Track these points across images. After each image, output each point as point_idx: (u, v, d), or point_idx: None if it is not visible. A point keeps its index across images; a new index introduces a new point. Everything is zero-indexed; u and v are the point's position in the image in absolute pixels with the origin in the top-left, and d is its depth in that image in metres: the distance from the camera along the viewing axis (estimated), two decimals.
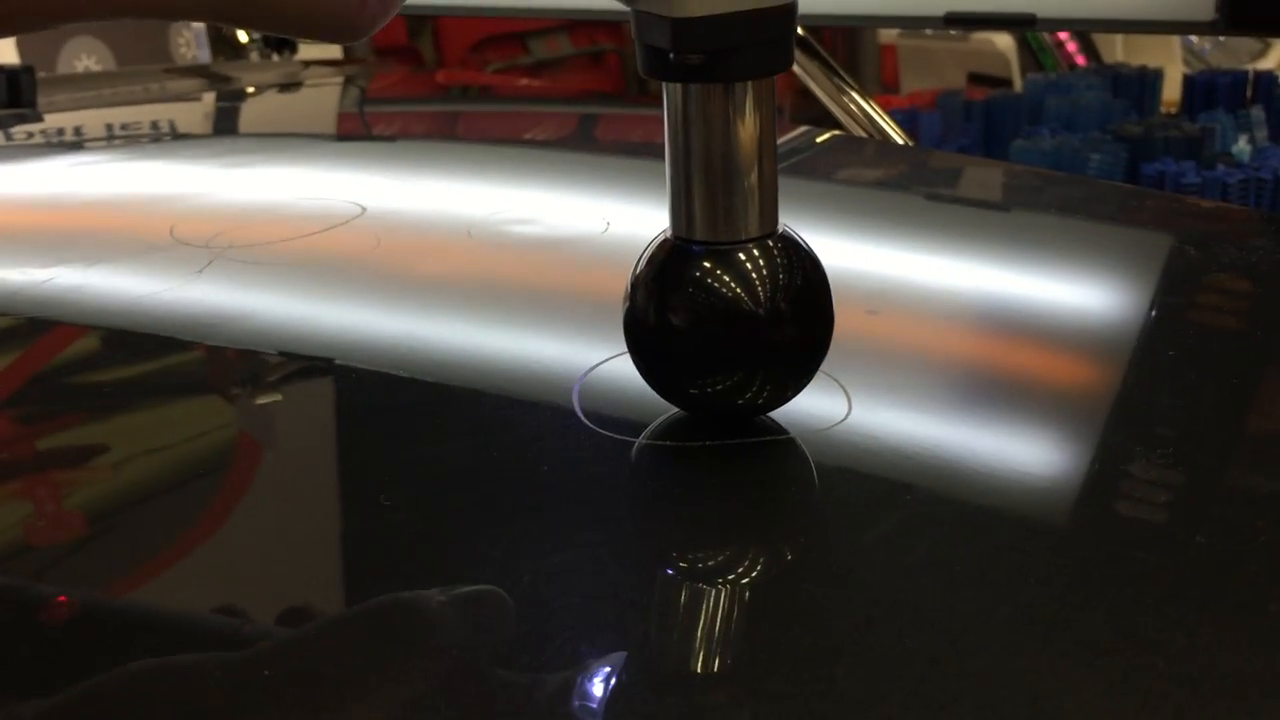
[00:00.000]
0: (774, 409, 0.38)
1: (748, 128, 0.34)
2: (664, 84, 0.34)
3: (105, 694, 0.27)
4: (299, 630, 0.29)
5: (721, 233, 0.35)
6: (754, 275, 0.34)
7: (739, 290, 0.34)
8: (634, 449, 0.37)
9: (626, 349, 0.37)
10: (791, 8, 0.33)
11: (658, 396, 0.38)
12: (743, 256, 0.34)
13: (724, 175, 0.34)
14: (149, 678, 0.27)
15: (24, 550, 0.35)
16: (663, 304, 0.35)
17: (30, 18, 0.27)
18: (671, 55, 0.33)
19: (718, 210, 0.35)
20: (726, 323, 0.34)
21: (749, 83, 0.33)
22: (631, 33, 0.34)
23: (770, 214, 0.35)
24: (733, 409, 0.37)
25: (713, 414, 0.38)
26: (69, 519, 0.36)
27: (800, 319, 0.35)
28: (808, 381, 0.37)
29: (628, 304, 0.36)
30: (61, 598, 0.31)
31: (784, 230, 0.36)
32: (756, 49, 0.33)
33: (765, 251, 0.35)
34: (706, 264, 0.34)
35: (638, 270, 0.36)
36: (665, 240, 0.36)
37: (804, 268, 0.35)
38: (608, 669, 0.26)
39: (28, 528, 0.36)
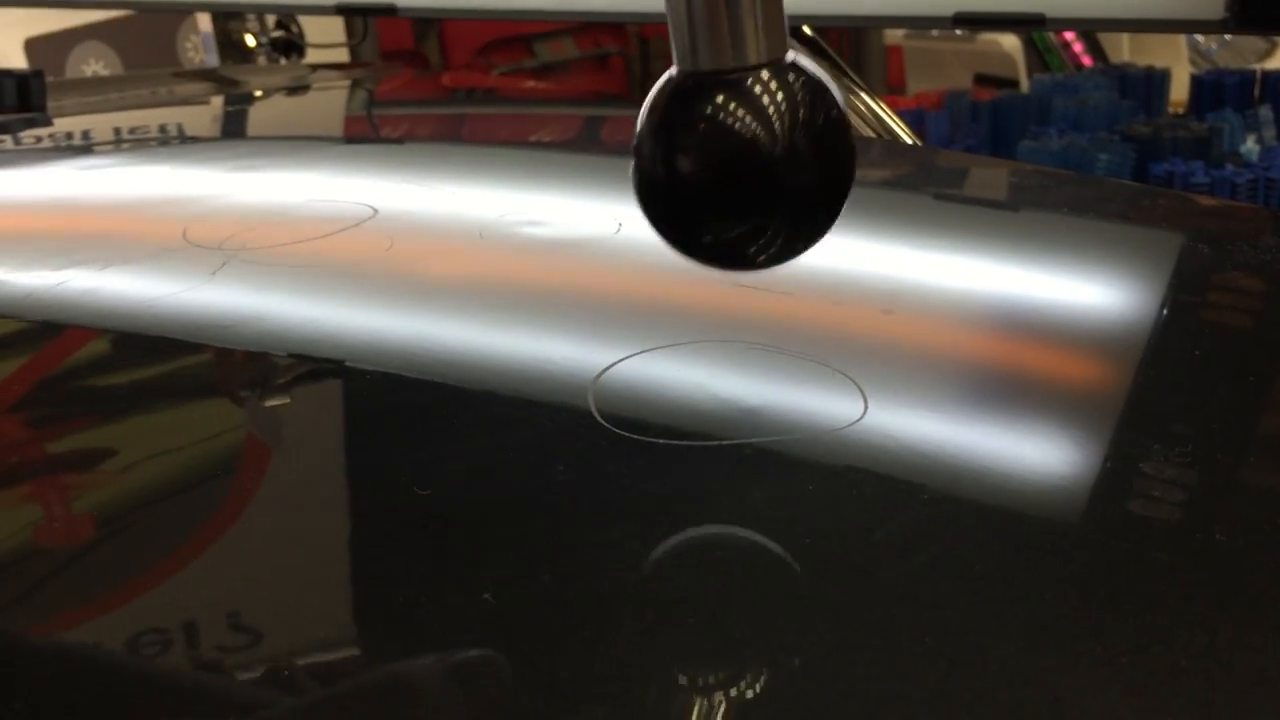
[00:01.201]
0: (792, 257, 0.35)
1: None
2: None
3: (110, 695, 0.27)
4: (284, 676, 0.28)
5: (728, 58, 0.32)
6: (768, 106, 0.32)
7: (753, 124, 0.32)
8: (650, 449, 0.37)
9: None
10: None
11: (673, 396, 0.38)
12: (753, 84, 0.32)
13: None
14: (154, 680, 0.27)
15: (35, 551, 0.35)
16: (672, 145, 0.33)
17: None
18: None
19: (722, 33, 0.32)
20: (741, 159, 0.32)
21: None
22: None
23: (778, 36, 0.32)
24: (749, 256, 0.34)
25: (729, 262, 0.36)
26: (80, 520, 0.36)
27: (818, 147, 0.33)
28: (829, 225, 0.34)
29: (635, 148, 0.34)
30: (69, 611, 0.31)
31: (794, 57, 0.33)
32: None
33: (778, 76, 0.32)
34: (716, 96, 0.32)
35: (644, 112, 0.34)
36: (670, 77, 0.33)
37: (819, 95, 0.33)
38: (626, 665, 0.26)
39: (39, 529, 0.36)
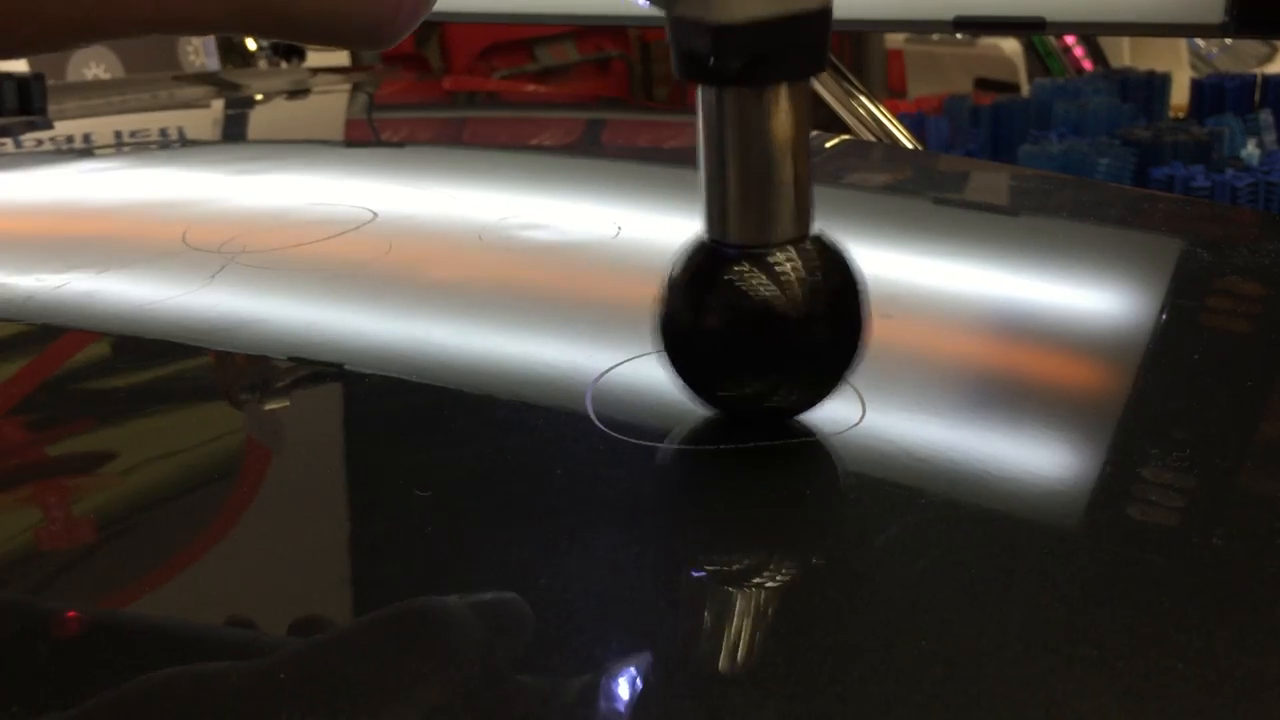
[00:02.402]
0: (805, 411, 0.38)
1: (783, 130, 0.34)
2: (699, 87, 0.34)
3: (121, 701, 0.27)
4: (316, 636, 0.29)
5: (756, 235, 0.35)
6: (788, 278, 0.34)
7: (773, 292, 0.34)
8: (648, 453, 0.37)
9: (654, 349, 0.37)
10: (827, 11, 0.33)
11: (671, 400, 0.38)
12: (778, 258, 0.35)
13: (759, 177, 0.34)
14: (165, 683, 0.27)
15: (36, 555, 0.35)
16: (698, 305, 0.35)
17: (58, 38, 0.27)
18: (711, 60, 0.33)
19: (753, 213, 0.35)
20: (760, 325, 0.35)
21: (785, 85, 0.34)
22: (666, 36, 0.34)
23: (804, 216, 0.35)
24: (763, 411, 0.37)
25: (743, 416, 0.38)
26: (80, 524, 0.36)
27: (834, 322, 0.36)
28: (840, 384, 0.37)
29: (663, 305, 0.36)
30: (71, 613, 0.31)
31: (818, 233, 0.36)
32: (794, 53, 0.33)
33: (802, 253, 0.35)
34: (741, 266, 0.35)
35: (674, 272, 0.36)
36: (701, 243, 0.36)
37: (838, 270, 0.36)
38: (626, 672, 0.26)
39: (39, 533, 0.36)
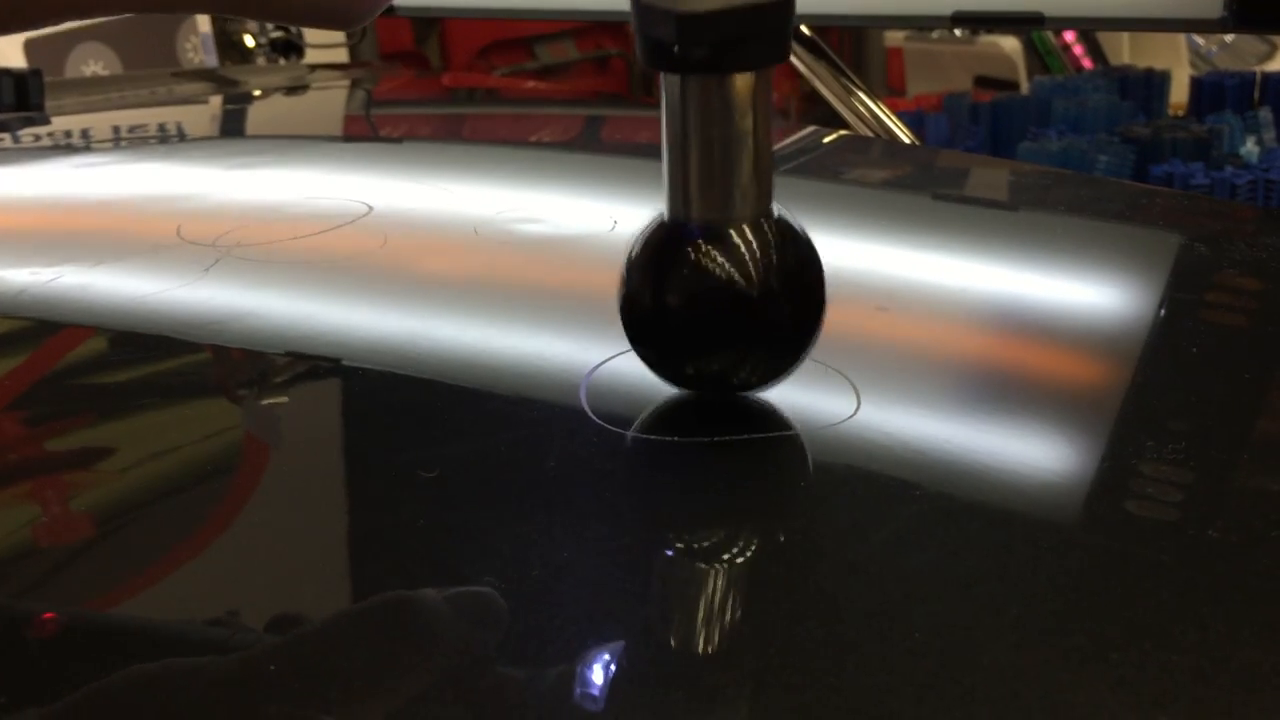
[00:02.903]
0: (769, 386, 0.38)
1: (746, 116, 0.35)
2: (662, 75, 0.35)
3: (107, 692, 0.26)
4: (302, 629, 0.29)
5: (716, 213, 0.35)
6: (747, 253, 0.35)
7: (732, 267, 0.35)
8: (642, 445, 0.37)
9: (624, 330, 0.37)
10: (790, 1, 0.33)
11: (665, 393, 0.38)
12: (735, 235, 0.35)
13: (721, 160, 0.35)
14: (150, 676, 0.27)
15: (31, 551, 0.35)
16: (659, 284, 0.36)
17: (34, 16, 0.27)
18: (675, 48, 0.33)
19: (714, 192, 0.35)
20: (722, 301, 0.35)
21: (749, 74, 0.34)
22: (632, 25, 0.34)
23: (765, 196, 0.36)
24: (729, 386, 0.37)
25: (709, 391, 0.38)
26: (76, 520, 0.36)
27: (794, 298, 0.36)
28: (803, 358, 0.37)
29: (624, 287, 0.37)
30: (48, 614, 0.31)
31: (779, 213, 0.36)
32: (757, 42, 0.33)
33: (758, 230, 0.35)
34: (701, 243, 0.35)
35: (633, 252, 0.37)
36: (661, 222, 0.37)
37: (797, 246, 0.36)
38: (616, 664, 0.26)
39: (35, 529, 0.36)
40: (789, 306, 0.36)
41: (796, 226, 0.37)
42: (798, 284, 0.36)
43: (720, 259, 0.35)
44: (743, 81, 0.34)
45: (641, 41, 0.34)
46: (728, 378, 0.37)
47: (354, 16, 0.29)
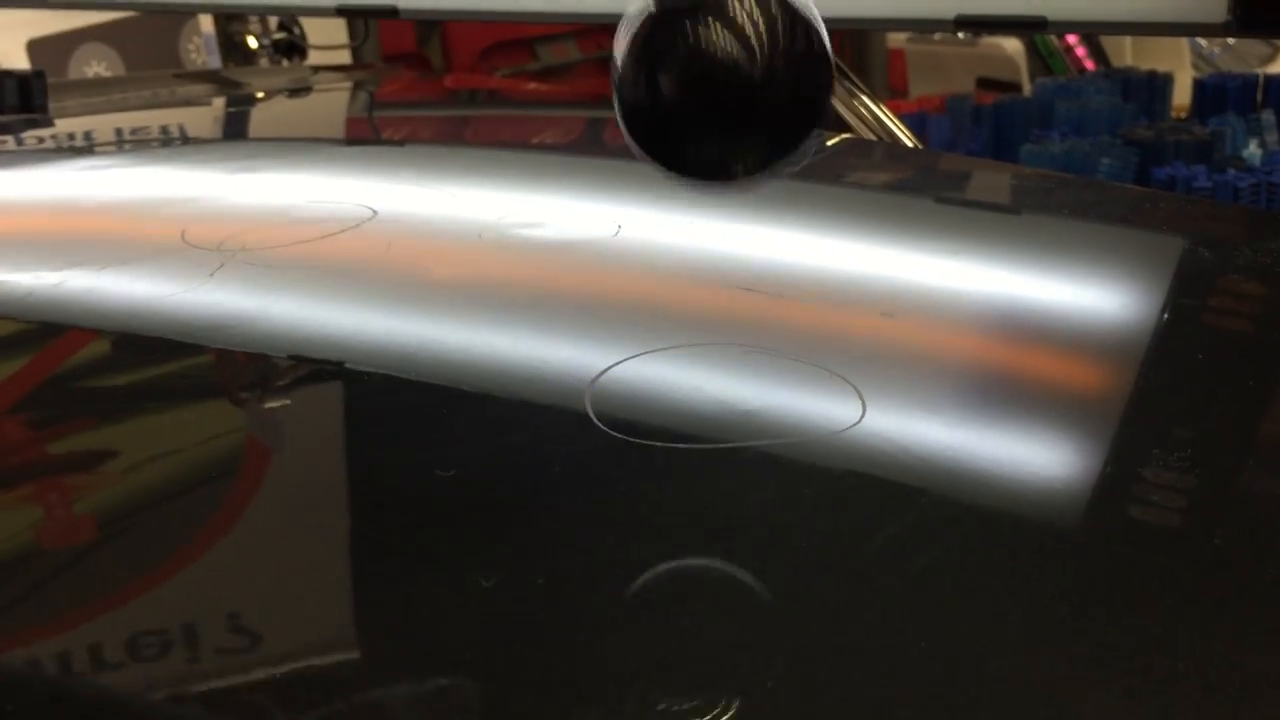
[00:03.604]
0: (772, 167, 0.35)
1: None
2: None
3: (112, 695, 0.26)
4: (283, 674, 0.28)
5: None
6: (744, 27, 0.33)
7: (731, 43, 0.33)
8: (646, 451, 0.37)
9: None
10: None
11: (670, 399, 0.38)
12: (731, 7, 0.33)
13: None
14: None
15: (36, 552, 0.35)
16: (654, 64, 0.34)
17: None
18: None
19: None
20: (720, 78, 0.33)
21: None
22: None
23: None
24: (731, 169, 0.35)
25: (712, 174, 0.36)
26: (80, 521, 0.36)
27: (795, 72, 0.34)
28: (807, 137, 0.35)
29: (617, 70, 0.35)
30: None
31: None
32: None
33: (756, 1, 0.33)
34: (694, 19, 0.33)
35: (624, 39, 0.35)
36: (648, 3, 0.34)
37: (795, 18, 0.34)
38: (622, 667, 0.26)
39: (39, 529, 0.36)
40: (792, 82, 0.33)
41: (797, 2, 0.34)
42: (799, 58, 0.33)
43: (716, 33, 0.32)
44: None
45: None
46: (730, 160, 0.35)
47: None
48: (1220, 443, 0.37)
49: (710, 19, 0.33)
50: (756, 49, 0.32)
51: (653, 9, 0.34)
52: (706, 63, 0.33)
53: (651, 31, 0.34)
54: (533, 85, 2.37)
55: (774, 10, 0.33)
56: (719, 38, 0.32)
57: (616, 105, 0.35)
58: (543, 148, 1.02)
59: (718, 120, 0.33)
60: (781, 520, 0.33)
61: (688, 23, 0.33)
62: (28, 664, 0.28)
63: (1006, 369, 0.47)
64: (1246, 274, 0.55)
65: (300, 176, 0.84)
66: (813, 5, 0.34)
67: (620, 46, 0.34)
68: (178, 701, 0.26)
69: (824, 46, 0.34)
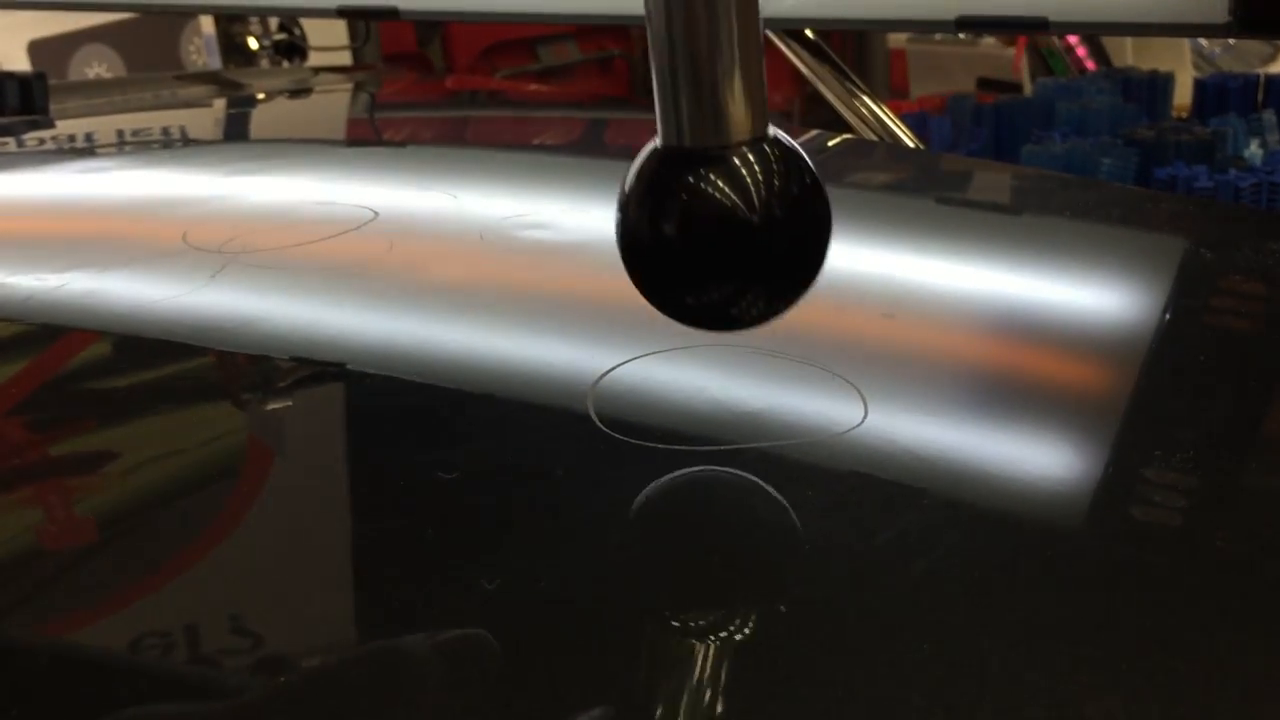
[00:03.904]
0: (771, 319, 0.36)
1: (732, 22, 0.33)
2: None
3: (114, 699, 0.26)
4: (290, 677, 0.29)
5: (711, 136, 0.33)
6: (747, 180, 0.33)
7: (733, 196, 0.33)
8: (649, 453, 0.37)
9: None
10: None
11: (672, 401, 0.38)
12: (735, 160, 0.33)
13: (711, 75, 0.33)
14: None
15: (36, 555, 0.35)
16: (657, 213, 0.34)
17: None
18: None
19: (706, 112, 0.33)
20: (721, 230, 0.33)
21: None
22: None
23: (760, 115, 0.34)
24: (731, 318, 0.36)
25: (711, 324, 0.36)
26: (81, 524, 0.36)
27: (796, 225, 0.34)
28: (806, 289, 0.35)
29: (620, 215, 0.35)
30: None
31: (776, 134, 0.35)
32: None
33: (758, 153, 0.33)
34: (699, 169, 0.33)
35: (628, 182, 0.35)
36: (655, 149, 0.35)
37: (798, 171, 0.34)
38: (622, 670, 0.26)
39: (40, 532, 0.36)
40: (792, 234, 0.34)
41: (796, 148, 0.34)
42: (800, 210, 0.34)
43: (719, 186, 0.33)
44: None
45: None
46: (729, 309, 0.35)
47: None
48: (1223, 444, 0.37)
49: (713, 168, 0.33)
50: (759, 201, 0.33)
51: (657, 146, 0.34)
52: (707, 212, 0.33)
53: (654, 175, 0.34)
54: (534, 86, 2.37)
55: (781, 164, 0.34)
56: (722, 188, 0.33)
57: (620, 245, 0.35)
58: (544, 149, 1.02)
59: (718, 271, 0.34)
60: (783, 521, 0.33)
61: (689, 169, 0.33)
62: (28, 663, 0.28)
63: (1009, 370, 0.47)
64: (1248, 274, 0.55)
65: (301, 178, 0.84)
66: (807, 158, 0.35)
67: (625, 184, 0.35)
68: (178, 701, 0.26)
69: (825, 201, 0.35)
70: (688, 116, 0.33)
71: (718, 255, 0.34)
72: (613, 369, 0.43)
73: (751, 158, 0.33)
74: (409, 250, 0.61)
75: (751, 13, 0.33)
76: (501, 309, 0.52)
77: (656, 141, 0.35)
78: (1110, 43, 2.46)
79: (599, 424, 0.39)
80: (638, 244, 0.35)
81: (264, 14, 1.87)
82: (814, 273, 0.35)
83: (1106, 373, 0.45)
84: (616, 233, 0.35)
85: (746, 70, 0.33)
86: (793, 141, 0.35)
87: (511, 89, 2.07)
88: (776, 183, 0.33)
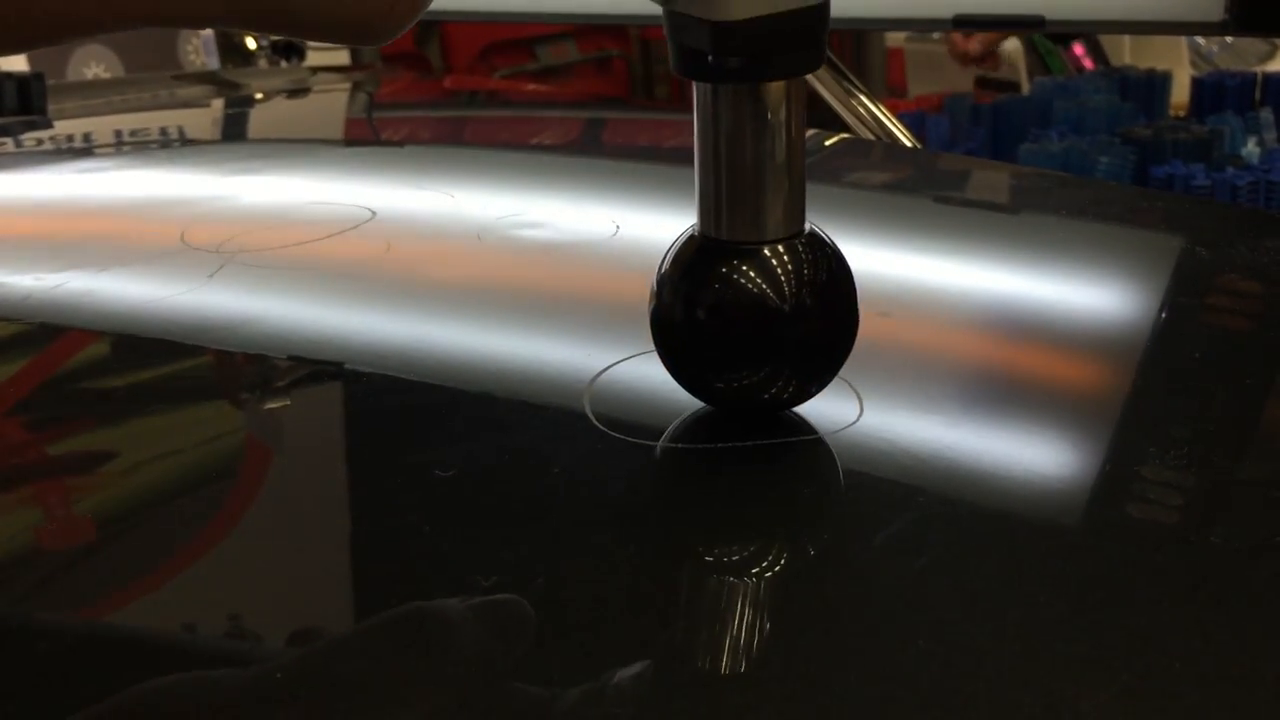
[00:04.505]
0: (799, 404, 0.38)
1: (779, 128, 0.34)
2: (695, 84, 0.34)
3: (118, 703, 0.27)
4: (315, 639, 0.29)
5: (750, 233, 0.35)
6: (780, 274, 0.35)
7: (766, 288, 0.35)
8: (645, 451, 0.37)
9: (653, 345, 0.37)
10: (825, 6, 0.33)
11: (668, 399, 0.38)
12: (770, 255, 0.35)
13: (754, 176, 0.35)
14: (164, 688, 0.27)
15: (35, 555, 0.35)
16: (691, 300, 0.35)
17: (58, 34, 0.27)
18: (710, 58, 0.33)
19: (747, 210, 0.35)
20: (753, 319, 0.35)
21: (782, 83, 0.34)
22: (664, 31, 0.34)
23: (798, 213, 0.36)
24: (758, 404, 0.37)
25: (738, 409, 0.38)
26: (80, 524, 0.36)
27: (825, 316, 0.36)
28: (832, 377, 0.37)
29: (654, 300, 0.37)
30: None
31: (811, 229, 0.36)
32: (792, 49, 0.33)
33: (792, 251, 0.35)
34: (735, 262, 0.35)
35: (664, 267, 0.36)
36: (693, 238, 0.36)
37: (829, 266, 0.36)
38: (621, 671, 0.26)
39: (39, 532, 0.36)
40: (820, 326, 0.36)
41: (829, 244, 0.36)
42: (829, 304, 0.36)
43: (753, 279, 0.35)
44: (777, 90, 0.34)
45: (674, 49, 0.34)
46: (759, 395, 0.36)
47: (383, 32, 0.28)
48: (1219, 442, 0.38)
49: (742, 261, 0.35)
50: (792, 296, 0.35)
51: (695, 234, 0.36)
52: (735, 302, 0.35)
53: (683, 267, 0.36)
54: (532, 86, 2.37)
55: (815, 261, 0.36)
56: (750, 280, 0.35)
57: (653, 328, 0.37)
58: (541, 148, 1.02)
59: (746, 359, 0.36)
60: (778, 520, 0.33)
61: (723, 260, 0.35)
62: (28, 663, 0.28)
63: (1005, 368, 0.47)
64: (1244, 272, 0.55)
65: (299, 178, 0.84)
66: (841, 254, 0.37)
67: (661, 267, 0.37)
68: (178, 701, 0.27)
69: (853, 297, 0.37)
70: (727, 216, 0.35)
71: (749, 344, 0.35)
72: (609, 367, 0.43)
73: (785, 253, 0.35)
74: (407, 250, 0.62)
75: (799, 120, 0.35)
76: (498, 308, 0.52)
77: (694, 229, 0.36)
78: (1108, 41, 2.46)
79: (595, 422, 0.39)
80: (671, 327, 0.36)
81: None
82: (839, 362, 0.37)
83: (1102, 371, 0.45)
84: (650, 315, 0.37)
85: (790, 178, 0.35)
86: (826, 236, 0.37)
87: (510, 89, 2.07)
88: (807, 274, 0.35)
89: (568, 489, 0.35)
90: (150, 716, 0.26)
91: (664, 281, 0.36)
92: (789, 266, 0.35)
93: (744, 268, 0.35)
